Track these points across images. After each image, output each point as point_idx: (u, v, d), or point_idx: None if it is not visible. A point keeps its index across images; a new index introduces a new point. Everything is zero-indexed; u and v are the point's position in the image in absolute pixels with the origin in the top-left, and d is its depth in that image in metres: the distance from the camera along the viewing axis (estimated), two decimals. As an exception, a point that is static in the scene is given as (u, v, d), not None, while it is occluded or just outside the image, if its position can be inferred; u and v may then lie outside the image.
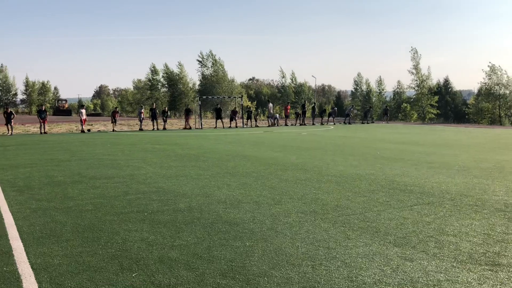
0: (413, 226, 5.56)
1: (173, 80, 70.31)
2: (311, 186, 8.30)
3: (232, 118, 34.64)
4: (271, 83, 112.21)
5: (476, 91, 67.62)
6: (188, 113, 33.70)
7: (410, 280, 3.88)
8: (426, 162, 11.84)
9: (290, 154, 14.36)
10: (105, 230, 5.52)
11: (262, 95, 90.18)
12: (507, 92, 55.77)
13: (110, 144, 18.98)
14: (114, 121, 30.62)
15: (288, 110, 39.17)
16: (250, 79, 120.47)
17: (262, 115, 36.57)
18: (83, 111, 30.05)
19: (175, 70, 70.88)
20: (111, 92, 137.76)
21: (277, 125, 35.72)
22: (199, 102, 36.44)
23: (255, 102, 72.72)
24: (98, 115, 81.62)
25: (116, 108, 35.99)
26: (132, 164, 11.91)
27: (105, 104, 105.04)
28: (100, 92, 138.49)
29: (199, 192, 7.87)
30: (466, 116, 61.35)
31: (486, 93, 56.70)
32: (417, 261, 4.33)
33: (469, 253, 4.57)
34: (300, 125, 36.51)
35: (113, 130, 29.63)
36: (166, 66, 71.16)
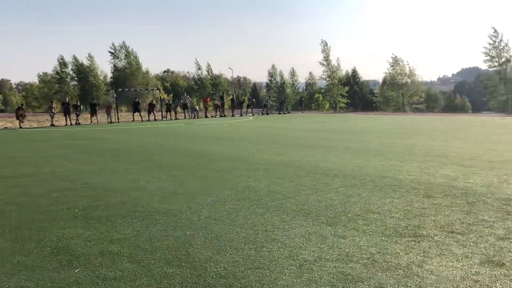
0: (341, 207, 5.95)
1: (83, 73, 66.90)
2: (241, 175, 8.49)
3: (150, 111, 33.93)
4: (187, 75, 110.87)
5: (380, 80, 72.07)
6: (94, 107, 32.43)
7: (346, 255, 4.19)
8: (343, 147, 12.54)
9: (215, 145, 14.46)
10: (35, 229, 5.29)
11: (178, 87, 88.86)
12: (409, 81, 60.35)
13: (21, 141, 17.82)
14: (20, 118, 28.60)
15: (208, 102, 39.16)
16: (165, 71, 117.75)
17: (180, 108, 36.10)
18: (-13, 107, 27.84)
19: (85, 62, 67.57)
20: (14, 86, 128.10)
21: (197, 117, 35.56)
22: (115, 95, 35.21)
23: (172, 95, 71.54)
24: (1, 111, 75.64)
25: (21, 104, 33.68)
26: (51, 161, 11.33)
27: (8, 100, 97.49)
28: (1, 87, 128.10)
29: (129, 186, 7.73)
30: (374, 105, 65.28)
31: (391, 82, 60.88)
32: (349, 238, 4.68)
33: (393, 227, 5.01)
34: (220, 116, 36.66)
35: (21, 127, 27.76)
36: (74, 58, 67.40)
